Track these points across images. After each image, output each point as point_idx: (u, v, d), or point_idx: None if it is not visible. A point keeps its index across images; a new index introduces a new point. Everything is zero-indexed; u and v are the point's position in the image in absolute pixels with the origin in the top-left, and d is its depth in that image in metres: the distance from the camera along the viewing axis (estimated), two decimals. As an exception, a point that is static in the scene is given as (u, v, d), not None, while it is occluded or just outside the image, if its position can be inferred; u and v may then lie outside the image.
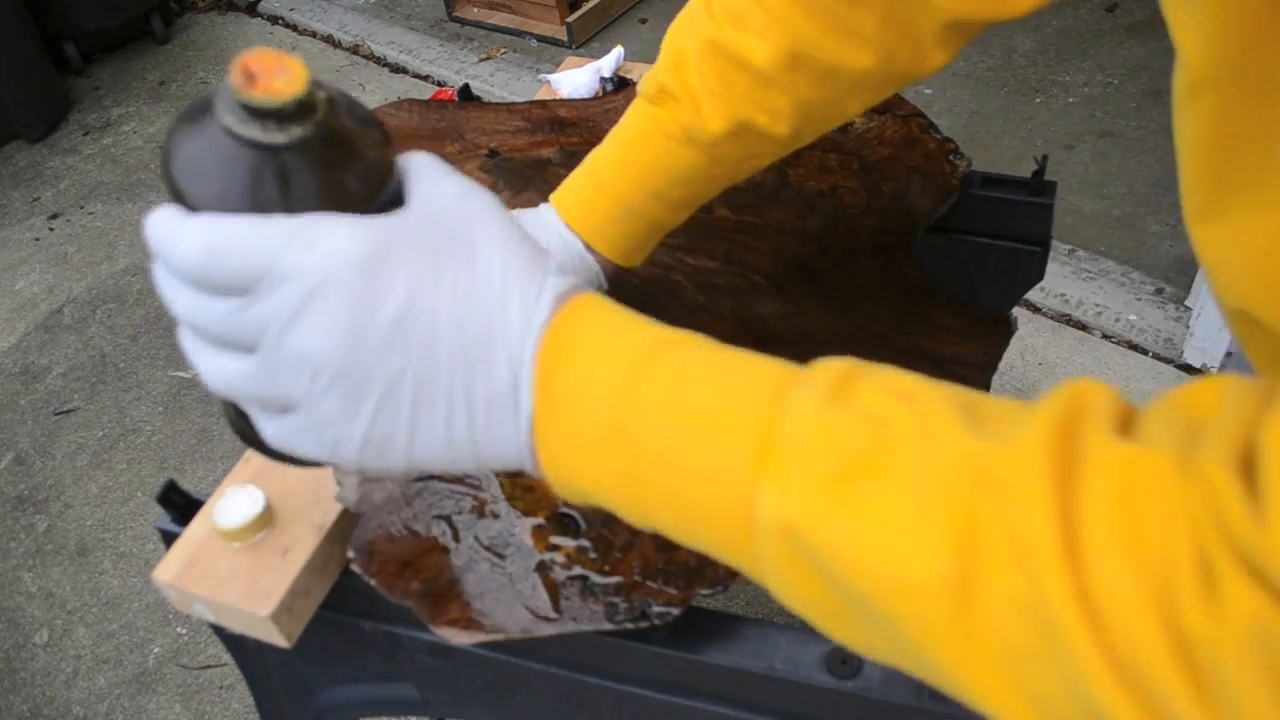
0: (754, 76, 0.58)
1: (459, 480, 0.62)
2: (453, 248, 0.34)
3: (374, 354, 0.33)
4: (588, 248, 0.63)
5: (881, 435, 0.31)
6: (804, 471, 0.31)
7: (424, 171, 0.36)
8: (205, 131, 0.33)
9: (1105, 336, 1.87)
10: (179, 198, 0.34)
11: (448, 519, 0.60)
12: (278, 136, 0.32)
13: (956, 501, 0.29)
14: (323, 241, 0.32)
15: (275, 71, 0.32)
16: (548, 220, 0.64)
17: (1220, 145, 0.38)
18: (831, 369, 0.35)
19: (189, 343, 0.36)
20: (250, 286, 0.32)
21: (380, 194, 0.35)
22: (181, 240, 0.33)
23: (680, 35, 0.60)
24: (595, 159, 0.64)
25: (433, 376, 0.33)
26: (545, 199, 0.83)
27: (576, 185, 0.64)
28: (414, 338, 0.33)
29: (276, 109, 0.32)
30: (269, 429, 0.36)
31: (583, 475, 0.35)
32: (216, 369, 0.35)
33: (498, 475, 0.62)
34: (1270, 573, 0.23)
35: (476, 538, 0.58)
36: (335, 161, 0.34)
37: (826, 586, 0.31)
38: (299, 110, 0.32)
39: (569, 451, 0.35)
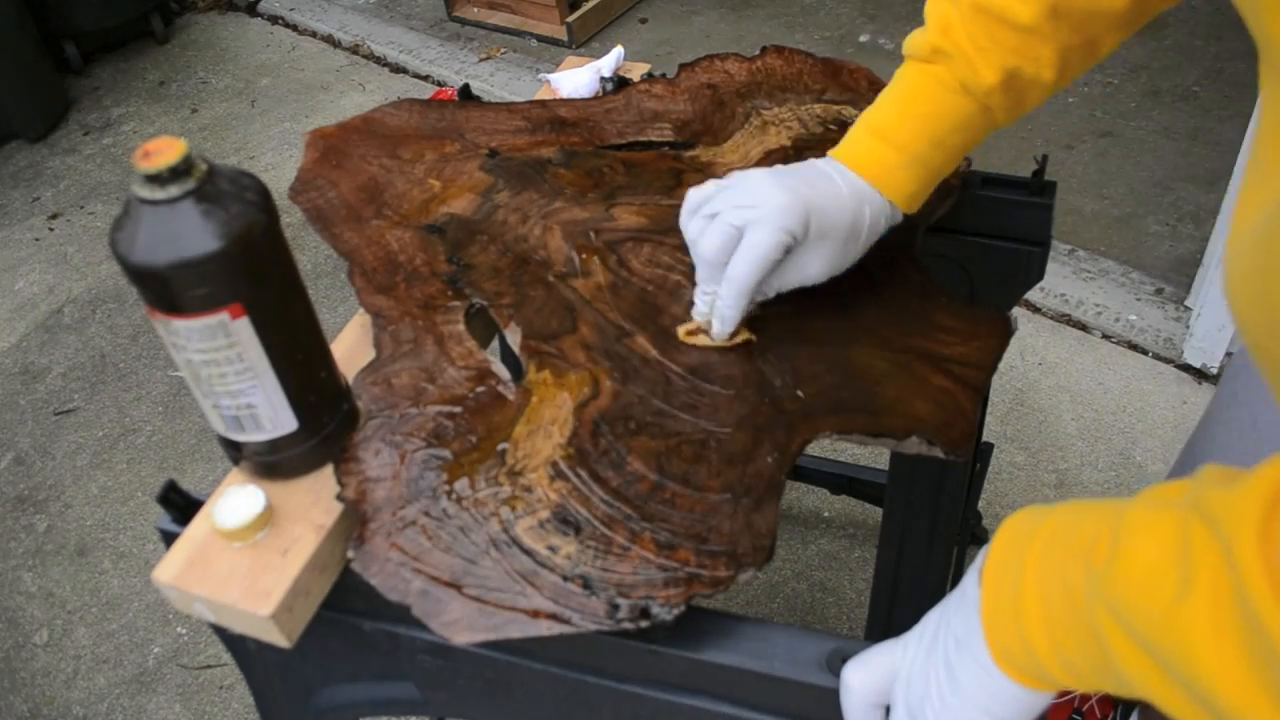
0: (1019, 32, 0.63)
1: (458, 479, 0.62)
2: None
3: None
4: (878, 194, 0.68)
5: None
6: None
7: None
8: None
9: (1105, 336, 1.87)
10: None
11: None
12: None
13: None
14: None
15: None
16: (838, 173, 0.68)
17: None
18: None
19: None
20: None
21: None
22: None
23: (941, 3, 0.66)
24: (873, 116, 0.69)
25: None
26: (546, 198, 0.83)
27: (858, 140, 0.69)
28: None
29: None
30: None
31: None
32: None
33: (498, 474, 0.62)
34: None
35: (476, 537, 0.58)
36: None
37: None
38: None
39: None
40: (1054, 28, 0.63)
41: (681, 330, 0.71)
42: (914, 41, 0.68)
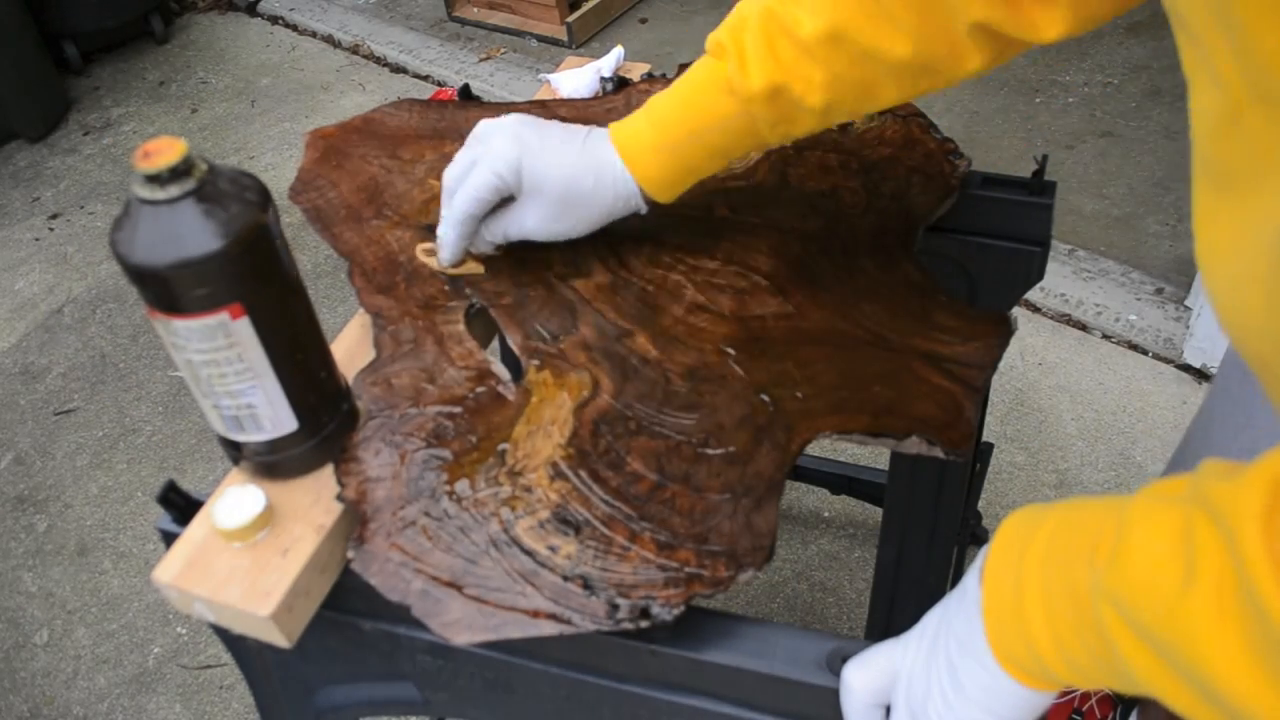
0: (797, 46, 0.64)
1: (459, 479, 0.62)
2: None
3: None
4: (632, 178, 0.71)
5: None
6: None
7: None
8: None
9: (1105, 336, 1.87)
10: None
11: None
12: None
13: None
14: None
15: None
16: (591, 139, 0.71)
17: None
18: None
19: None
20: None
21: None
22: None
23: (748, 1, 0.68)
24: (654, 98, 0.72)
25: None
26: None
27: (634, 117, 0.72)
28: None
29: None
30: None
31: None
32: None
33: (498, 474, 0.62)
34: None
35: (477, 537, 0.58)
36: None
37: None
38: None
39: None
40: (830, 53, 0.64)
41: (419, 248, 0.78)
42: (710, 36, 0.69)
